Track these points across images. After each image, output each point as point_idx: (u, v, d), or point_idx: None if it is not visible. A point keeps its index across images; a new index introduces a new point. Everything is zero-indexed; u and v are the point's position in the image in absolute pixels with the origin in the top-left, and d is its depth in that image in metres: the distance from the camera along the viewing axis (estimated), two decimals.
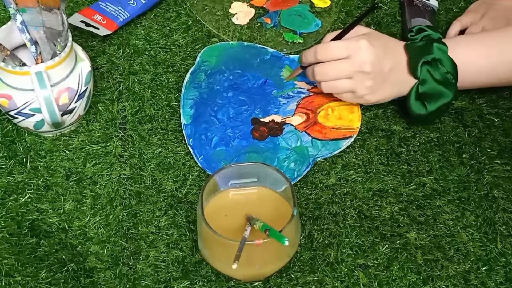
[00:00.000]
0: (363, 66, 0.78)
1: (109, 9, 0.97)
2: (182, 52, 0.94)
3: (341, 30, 0.82)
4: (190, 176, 0.80)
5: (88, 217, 0.76)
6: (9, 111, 0.78)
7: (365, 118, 0.86)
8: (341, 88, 0.81)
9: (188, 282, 0.70)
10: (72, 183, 0.79)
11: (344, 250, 0.73)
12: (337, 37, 0.82)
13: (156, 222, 0.75)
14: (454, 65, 0.80)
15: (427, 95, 0.81)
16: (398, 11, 1.01)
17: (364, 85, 0.80)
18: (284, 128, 0.85)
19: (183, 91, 0.88)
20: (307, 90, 0.89)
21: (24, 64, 0.80)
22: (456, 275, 0.71)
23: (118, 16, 0.96)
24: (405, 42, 0.82)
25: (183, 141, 0.83)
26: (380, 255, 0.73)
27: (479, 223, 0.76)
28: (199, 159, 0.81)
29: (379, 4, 0.85)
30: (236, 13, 1.01)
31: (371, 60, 0.78)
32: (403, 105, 0.84)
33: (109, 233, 0.74)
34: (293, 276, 0.71)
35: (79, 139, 0.83)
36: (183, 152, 0.82)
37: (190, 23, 0.99)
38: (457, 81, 0.80)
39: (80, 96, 0.80)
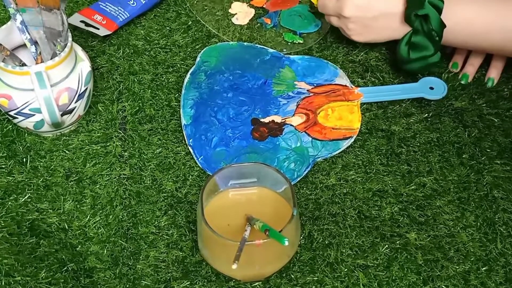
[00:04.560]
0: (342, 10, 0.85)
1: (109, 9, 0.97)
2: (182, 52, 0.94)
3: None
4: (190, 176, 0.80)
5: (88, 217, 0.76)
6: (9, 111, 0.78)
7: (365, 118, 0.86)
8: (332, 23, 0.90)
9: (188, 282, 0.70)
10: (72, 183, 0.79)
11: (344, 250, 0.73)
12: None
13: (156, 222, 0.75)
14: (442, 25, 0.82)
15: (414, 44, 0.84)
16: None
17: (346, 26, 0.87)
18: (284, 128, 0.85)
19: (183, 91, 0.88)
20: (307, 90, 0.89)
21: (24, 64, 0.80)
22: (456, 275, 0.71)
23: (118, 16, 0.96)
24: None
25: (183, 141, 0.83)
26: (380, 255, 0.73)
27: (479, 223, 0.76)
28: (199, 159, 0.81)
29: None
30: (236, 14, 1.01)
31: (351, 6, 0.84)
32: (403, 104, 0.84)
33: (109, 233, 0.74)
34: (293, 276, 0.71)
35: (79, 139, 0.83)
36: (183, 152, 0.82)
37: (190, 23, 0.99)
38: (441, 39, 0.83)
39: (80, 96, 0.80)
